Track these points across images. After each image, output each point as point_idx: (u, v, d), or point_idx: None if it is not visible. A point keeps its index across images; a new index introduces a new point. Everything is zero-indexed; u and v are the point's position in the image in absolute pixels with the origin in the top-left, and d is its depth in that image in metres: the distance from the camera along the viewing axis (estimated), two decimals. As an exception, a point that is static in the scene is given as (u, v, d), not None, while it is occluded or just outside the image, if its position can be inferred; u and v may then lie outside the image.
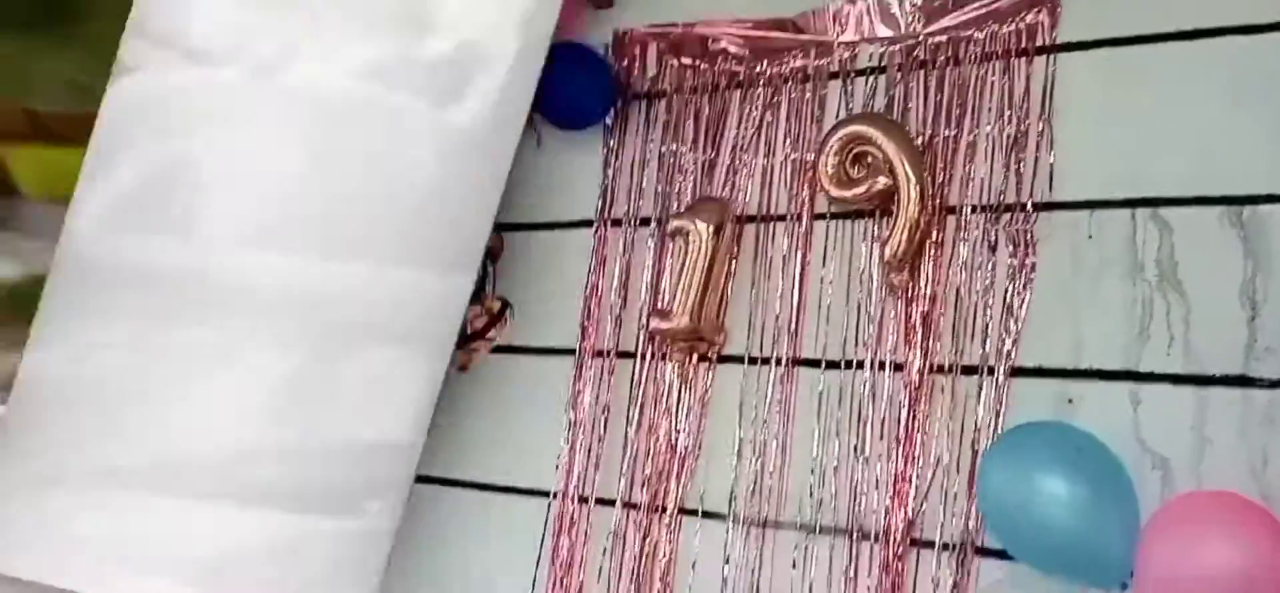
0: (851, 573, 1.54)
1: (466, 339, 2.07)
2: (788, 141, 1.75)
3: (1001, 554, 1.40)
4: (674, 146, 1.88)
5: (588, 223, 1.94)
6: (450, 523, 1.99)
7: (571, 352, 1.90)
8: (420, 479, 2.04)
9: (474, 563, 1.94)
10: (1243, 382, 1.29)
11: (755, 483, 1.66)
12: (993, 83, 1.54)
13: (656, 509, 1.75)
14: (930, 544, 1.49)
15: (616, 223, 1.91)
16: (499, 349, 2.02)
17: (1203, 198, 1.35)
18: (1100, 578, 1.30)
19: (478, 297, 2.08)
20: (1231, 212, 1.33)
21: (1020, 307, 1.46)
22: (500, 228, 2.07)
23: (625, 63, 1.96)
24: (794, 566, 1.59)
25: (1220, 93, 1.37)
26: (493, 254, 2.08)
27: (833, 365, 1.62)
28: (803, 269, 1.69)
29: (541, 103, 1.96)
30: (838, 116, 1.69)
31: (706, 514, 1.70)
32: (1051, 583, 1.34)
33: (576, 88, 1.94)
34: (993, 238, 1.50)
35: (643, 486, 1.77)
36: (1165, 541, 1.23)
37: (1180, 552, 1.22)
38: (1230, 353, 1.30)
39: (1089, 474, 1.28)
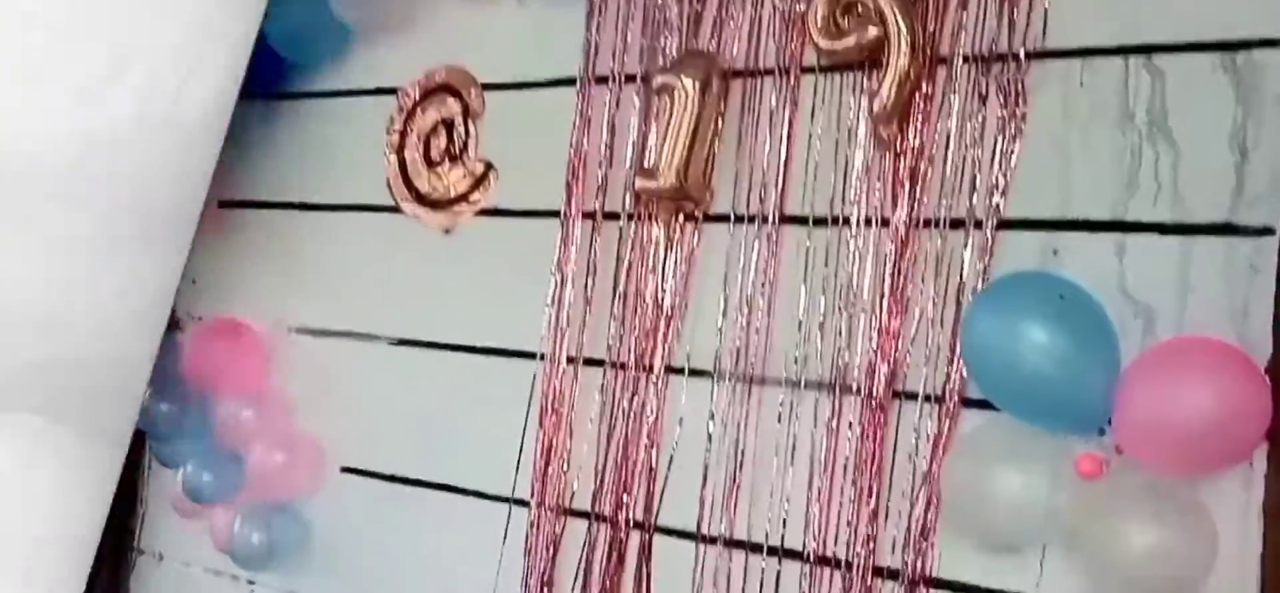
0: (835, 426, 1.56)
1: (450, 202, 2.06)
2: (776, -8, 1.71)
3: (983, 405, 1.42)
4: None
5: (571, 81, 1.90)
6: (437, 387, 2.00)
7: (557, 214, 1.88)
8: (405, 343, 2.06)
9: (462, 425, 1.96)
10: (1228, 230, 1.29)
11: (741, 341, 1.67)
12: (986, -74, 1.50)
13: (644, 369, 1.76)
14: (913, 396, 1.50)
15: (601, 80, 1.87)
16: (483, 212, 2.01)
17: (1196, 44, 1.32)
18: (1079, 424, 1.32)
19: (460, 159, 2.06)
20: (1225, 57, 1.30)
21: (1010, 158, 1.45)
22: (483, 87, 2.04)
23: (608, -89, 1.89)
24: (779, 420, 1.61)
25: (1217, -65, 1.34)
26: (473, 114, 2.05)
27: (820, 223, 1.62)
28: (790, 125, 1.67)
29: (522, -45, 1.91)
30: (827, -35, 1.64)
31: (693, 372, 1.71)
32: (1033, 431, 1.36)
33: (558, -61, 1.88)
34: (984, 88, 1.48)
35: (630, 345, 1.78)
36: (1143, 385, 1.25)
37: (1157, 396, 1.24)
38: (1217, 201, 1.30)
39: (1071, 323, 1.29)
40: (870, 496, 1.52)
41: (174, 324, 2.40)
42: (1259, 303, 1.25)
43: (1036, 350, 1.29)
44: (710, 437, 1.67)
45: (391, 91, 2.16)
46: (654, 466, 1.73)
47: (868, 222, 1.57)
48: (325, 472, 2.13)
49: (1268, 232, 1.26)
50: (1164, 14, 1.35)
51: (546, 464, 1.83)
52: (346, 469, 2.11)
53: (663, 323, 1.76)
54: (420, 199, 2.10)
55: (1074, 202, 1.40)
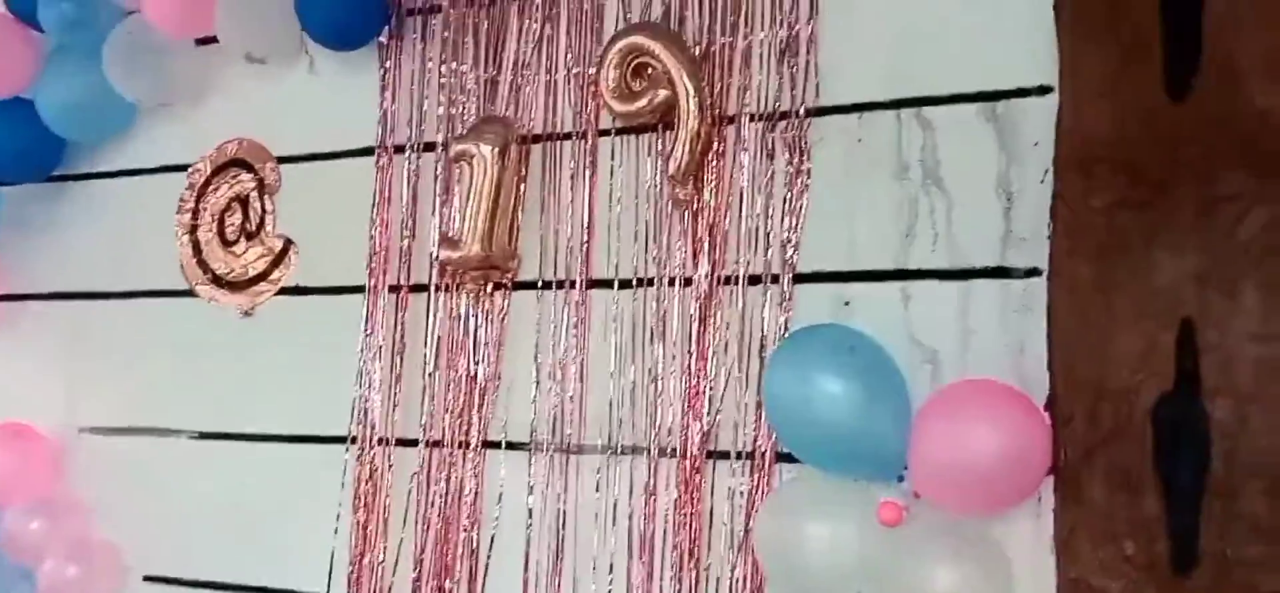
0: (652, 489, 1.54)
1: (249, 282, 1.96)
2: (569, 56, 1.69)
3: (794, 459, 1.43)
4: (454, 65, 1.79)
5: (369, 151, 1.84)
6: (245, 481, 1.89)
7: (361, 289, 1.81)
8: (207, 436, 1.94)
9: (274, 519, 1.85)
10: (1000, 273, 1.34)
11: (556, 410, 1.63)
12: (764, -14, 1.53)
13: (460, 445, 1.70)
14: (727, 455, 1.50)
15: (399, 149, 1.82)
16: (284, 291, 1.92)
17: (960, 95, 1.38)
18: (878, 472, 1.35)
19: (257, 236, 1.96)
20: (986, 107, 1.36)
21: (799, 213, 1.47)
22: (278, 160, 1.95)
23: (396, -24, 1.85)
24: (597, 489, 1.58)
25: (975, -8, 1.40)
26: (269, 189, 1.96)
27: (625, 285, 1.60)
28: (590, 188, 1.65)
29: (309, 22, 1.84)
30: (617, 27, 1.64)
31: (510, 446, 1.67)
32: (837, 481, 1.37)
33: (345, 3, 1.81)
34: (770, 146, 1.50)
35: (444, 421, 1.72)
36: (932, 432, 1.28)
37: (946, 441, 1.27)
38: (988, 245, 1.35)
39: (862, 373, 1.31)
40: (691, 558, 1.50)
41: (-49, 433, 2.21)
42: (1033, 341, 1.30)
43: (831, 402, 1.31)
44: (530, 511, 1.63)
45: (181, 168, 2.04)
46: (475, 546, 1.67)
47: (671, 282, 1.56)
48: (126, 582, 1.98)
49: (1035, 273, 1.31)
50: (929, 68, 1.40)
51: (362, 555, 1.74)
52: (149, 578, 1.97)
53: (477, 396, 1.71)
54: (217, 281, 1.99)
55: (860, 253, 1.43)
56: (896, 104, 1.41)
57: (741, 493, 1.48)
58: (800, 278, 1.47)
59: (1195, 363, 1.15)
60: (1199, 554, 1.13)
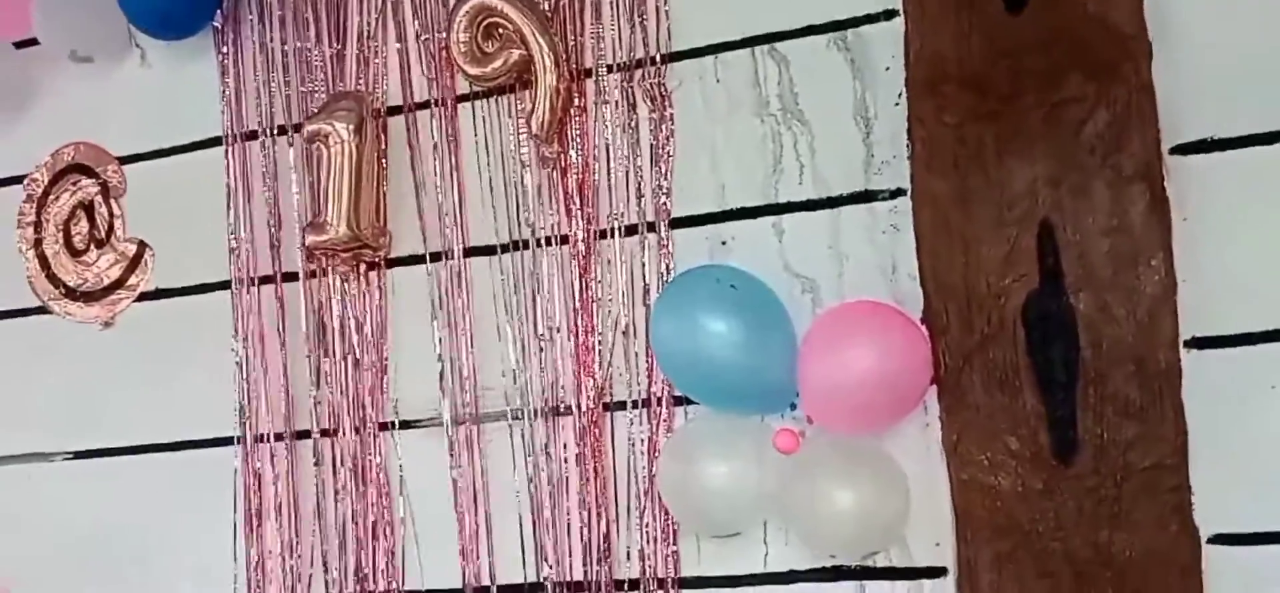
0: (553, 449, 1.54)
1: (104, 291, 1.86)
2: (416, 22, 1.64)
3: (688, 401, 1.45)
4: (298, 42, 1.71)
5: (217, 141, 1.76)
6: (127, 497, 1.81)
7: (227, 284, 1.74)
8: (82, 455, 1.85)
9: (161, 533, 1.78)
10: (866, 197, 1.38)
11: (450, 383, 1.61)
12: (608, -66, 1.50)
13: (355, 430, 1.67)
14: (623, 405, 1.51)
15: (251, 136, 1.74)
16: (144, 296, 1.82)
17: (811, 27, 1.39)
18: (771, 404, 1.38)
19: (107, 242, 1.86)
20: (837, 37, 1.38)
21: (667, 160, 1.47)
22: (120, 161, 1.85)
23: (223, -46, 1.75)
24: (510, 456, 1.57)
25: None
26: (114, 192, 1.85)
27: (502, 249, 1.58)
28: (456, 156, 1.62)
29: (134, 12, 1.73)
30: (461, -11, 1.59)
31: (404, 425, 1.64)
32: (733, 417, 1.40)
33: (171, -11, 1.71)
34: (631, 96, 1.49)
35: (338, 409, 1.67)
36: (818, 358, 1.32)
37: (832, 366, 1.31)
38: (852, 172, 1.38)
39: (745, 310, 1.34)
40: (598, 512, 1.52)
41: None
42: (904, 259, 1.34)
43: (717, 341, 1.33)
44: (455, 483, 1.60)
45: (16, 181, 1.91)
46: (390, 527, 1.64)
47: (547, 241, 1.55)
48: (16, 621, 1.88)
49: (899, 193, 1.35)
50: (779, 2, 1.41)
51: (262, 558, 1.70)
52: (42, 610, 1.88)
53: (367, 378, 1.67)
54: (70, 294, 1.88)
55: (731, 192, 1.44)
56: (750, 42, 1.42)
57: (642, 441, 1.49)
58: (676, 223, 1.47)
59: (1057, 260, 1.21)
60: (1078, 440, 1.20)
